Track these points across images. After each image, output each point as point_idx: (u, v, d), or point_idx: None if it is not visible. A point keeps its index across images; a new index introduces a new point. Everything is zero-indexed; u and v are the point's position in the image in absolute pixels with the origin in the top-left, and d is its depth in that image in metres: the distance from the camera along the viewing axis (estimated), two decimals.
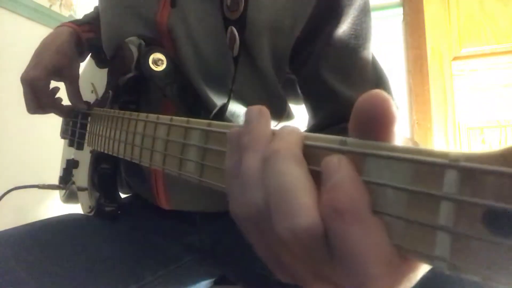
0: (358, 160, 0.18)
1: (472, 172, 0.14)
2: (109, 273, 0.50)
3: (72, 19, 1.72)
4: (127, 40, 0.51)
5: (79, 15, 1.68)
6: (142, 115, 0.40)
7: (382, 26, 1.89)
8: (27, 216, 1.32)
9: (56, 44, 0.61)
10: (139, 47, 0.49)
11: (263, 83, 0.50)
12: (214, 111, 0.47)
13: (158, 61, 0.47)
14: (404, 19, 1.85)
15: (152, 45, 0.49)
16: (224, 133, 0.26)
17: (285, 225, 0.17)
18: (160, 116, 0.36)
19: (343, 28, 0.48)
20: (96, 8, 0.72)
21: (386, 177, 0.16)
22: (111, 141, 0.48)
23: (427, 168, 0.15)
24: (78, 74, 0.62)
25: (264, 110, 0.23)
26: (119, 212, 0.58)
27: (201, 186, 0.53)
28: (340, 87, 0.49)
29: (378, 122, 0.17)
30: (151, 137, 0.37)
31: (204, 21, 0.49)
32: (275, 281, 0.49)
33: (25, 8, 1.41)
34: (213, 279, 0.64)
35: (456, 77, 1.73)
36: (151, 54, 0.47)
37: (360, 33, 0.49)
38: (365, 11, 0.50)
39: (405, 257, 0.17)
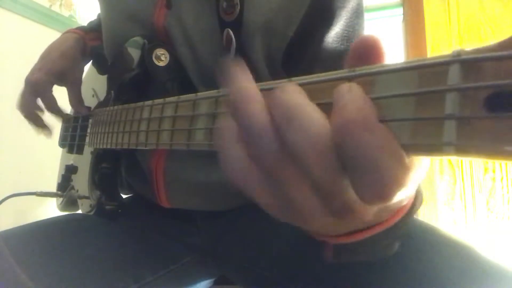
0: (368, 81, 0.19)
1: (473, 62, 0.16)
2: (109, 273, 0.50)
3: (72, 19, 1.72)
4: (130, 40, 0.52)
5: (79, 15, 1.68)
6: (148, 102, 0.41)
7: (382, 26, 1.89)
8: (25, 221, 1.31)
9: (61, 49, 0.62)
10: (142, 46, 0.50)
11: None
12: None
13: (161, 56, 0.48)
14: (404, 19, 1.85)
15: (154, 41, 0.50)
16: None
17: (300, 135, 0.19)
18: (167, 98, 0.37)
19: (336, 30, 0.49)
20: (99, 15, 0.72)
21: (395, 89, 0.18)
22: (114, 135, 0.49)
23: (432, 69, 0.17)
24: (81, 79, 0.63)
25: (239, 64, 0.23)
26: (119, 211, 0.58)
27: (202, 185, 0.53)
28: None
29: (373, 56, 0.20)
30: (157, 119, 0.37)
31: (200, 23, 0.49)
32: (275, 281, 0.49)
33: (25, 8, 1.41)
34: (213, 279, 0.64)
35: None
36: (154, 50, 0.48)
37: (352, 35, 0.50)
38: (357, 13, 0.50)
39: (411, 157, 0.18)
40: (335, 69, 0.55)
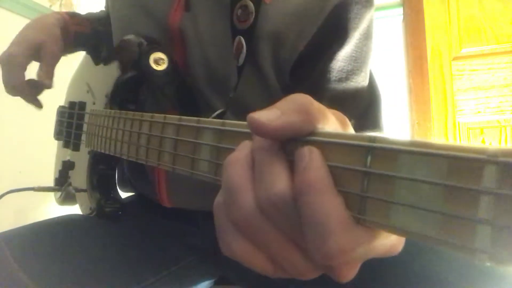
0: (389, 156, 0.18)
1: (511, 167, 0.15)
2: (110, 274, 0.50)
3: None
4: (126, 38, 0.50)
5: None
6: (147, 115, 0.39)
7: (382, 26, 1.89)
8: (25, 218, 1.32)
9: (40, 24, 0.59)
10: (139, 45, 0.49)
11: (267, 92, 0.50)
12: (212, 117, 0.47)
13: (159, 60, 0.47)
14: (404, 19, 1.85)
15: (153, 44, 0.49)
16: (238, 132, 0.27)
17: (264, 193, 0.21)
18: (167, 116, 0.35)
19: (346, 50, 0.49)
20: (101, 11, 0.72)
21: (420, 173, 0.17)
22: (112, 142, 0.47)
23: (464, 163, 0.16)
24: (58, 54, 0.60)
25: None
26: (120, 213, 0.58)
27: (203, 185, 0.53)
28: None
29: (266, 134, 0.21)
30: (158, 138, 0.36)
31: (213, 27, 0.49)
32: (274, 281, 0.49)
33: (25, 8, 1.41)
34: (213, 280, 0.64)
35: (456, 77, 1.73)
36: (152, 53, 0.47)
37: (359, 56, 0.50)
38: (367, 35, 0.51)
39: (363, 225, 0.19)
40: (338, 90, 0.54)
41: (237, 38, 0.47)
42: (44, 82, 0.57)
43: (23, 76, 0.58)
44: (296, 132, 0.21)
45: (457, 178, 0.16)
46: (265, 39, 0.47)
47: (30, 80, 0.60)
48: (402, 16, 1.86)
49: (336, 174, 0.20)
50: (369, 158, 0.19)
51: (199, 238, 0.60)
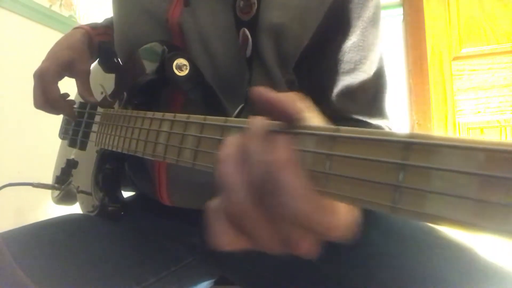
0: (428, 149, 0.20)
1: None
2: (110, 274, 0.50)
3: (72, 19, 1.72)
4: (147, 49, 0.51)
5: (79, 15, 1.68)
6: (169, 115, 0.40)
7: (382, 26, 1.89)
8: (24, 217, 1.32)
9: (68, 42, 0.63)
10: (162, 52, 0.50)
11: (272, 84, 0.50)
12: (234, 115, 0.47)
13: (182, 67, 0.48)
14: (404, 19, 1.85)
15: (175, 50, 0.50)
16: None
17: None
18: (191, 116, 0.37)
19: (353, 40, 0.49)
20: (106, 19, 0.73)
21: (457, 164, 0.18)
22: (127, 140, 0.48)
23: (502, 155, 0.17)
24: (89, 70, 0.63)
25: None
26: (121, 212, 0.58)
27: (203, 184, 0.53)
28: (342, 103, 0.50)
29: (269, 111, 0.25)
30: (180, 135, 0.38)
31: (216, 20, 0.49)
32: (274, 281, 0.49)
33: (25, 8, 1.41)
34: (213, 280, 0.64)
35: (456, 77, 1.73)
36: (175, 60, 0.48)
37: (366, 45, 0.50)
38: (373, 22, 0.50)
39: (326, 198, 0.22)
40: (350, 81, 0.54)
41: (241, 30, 0.47)
42: (89, 100, 0.61)
43: (58, 89, 0.61)
44: (287, 108, 0.25)
45: (494, 169, 0.17)
46: (268, 31, 0.47)
47: (65, 94, 0.63)
48: (402, 16, 1.86)
49: (369, 167, 0.22)
50: (405, 153, 0.20)
51: (199, 238, 0.60)
